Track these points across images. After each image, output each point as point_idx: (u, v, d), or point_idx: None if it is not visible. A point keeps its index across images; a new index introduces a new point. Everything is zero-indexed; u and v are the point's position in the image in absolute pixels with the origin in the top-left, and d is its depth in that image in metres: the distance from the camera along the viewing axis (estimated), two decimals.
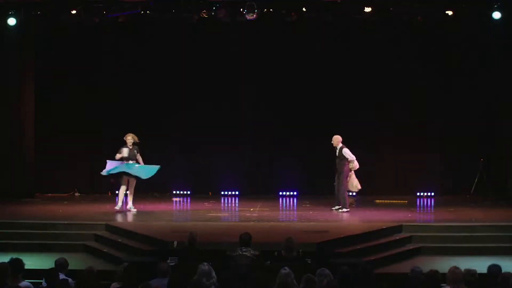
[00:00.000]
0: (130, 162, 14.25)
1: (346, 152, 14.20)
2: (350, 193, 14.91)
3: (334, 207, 14.45)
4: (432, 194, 16.84)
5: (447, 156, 17.07)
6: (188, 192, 17.20)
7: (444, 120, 17.02)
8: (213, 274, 7.79)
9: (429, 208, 15.58)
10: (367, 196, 15.99)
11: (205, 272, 7.69)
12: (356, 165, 14.27)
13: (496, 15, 14.67)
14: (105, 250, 11.69)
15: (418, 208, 15.53)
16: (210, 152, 17.22)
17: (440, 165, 17.11)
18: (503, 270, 7.63)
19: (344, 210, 14.27)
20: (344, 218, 13.81)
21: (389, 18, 15.82)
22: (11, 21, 15.26)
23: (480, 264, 8.81)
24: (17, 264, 7.63)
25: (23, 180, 16.53)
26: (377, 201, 16.06)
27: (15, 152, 16.54)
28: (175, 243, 10.74)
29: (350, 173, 14.32)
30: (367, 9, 15.26)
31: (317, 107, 16.94)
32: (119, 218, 13.60)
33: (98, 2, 15.22)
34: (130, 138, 14.35)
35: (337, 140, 14.35)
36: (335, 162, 14.36)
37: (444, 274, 7.47)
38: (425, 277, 7.43)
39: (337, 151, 14.30)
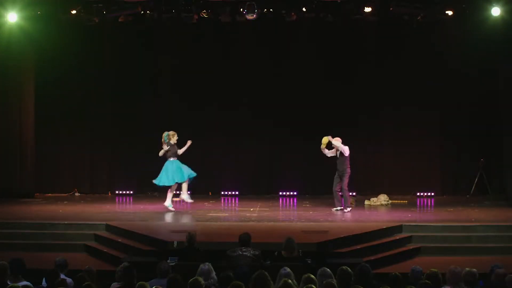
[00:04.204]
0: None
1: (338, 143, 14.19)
2: (350, 193, 14.92)
3: (335, 208, 14.45)
4: (432, 194, 16.84)
5: (447, 156, 17.07)
6: (188, 192, 17.15)
7: (444, 120, 17.02)
8: (213, 274, 7.81)
9: (429, 208, 15.58)
10: (367, 196, 16.03)
11: (204, 272, 7.71)
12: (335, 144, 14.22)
13: (495, 11, 14.63)
14: (105, 250, 11.69)
15: (418, 208, 15.54)
16: (210, 152, 17.22)
17: (440, 165, 17.11)
18: (504, 271, 7.61)
19: (348, 209, 14.29)
20: (344, 218, 13.81)
21: (389, 18, 15.83)
22: (12, 18, 15.21)
23: (480, 264, 8.82)
24: (17, 264, 7.62)
25: (23, 180, 16.53)
26: None
27: (15, 152, 16.53)
28: (175, 243, 10.74)
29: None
30: (367, 9, 15.26)
31: (317, 107, 16.92)
32: (119, 218, 13.57)
33: (98, 2, 15.21)
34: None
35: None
36: (336, 163, 14.41)
37: (444, 274, 7.47)
38: (425, 277, 7.42)
39: (338, 151, 14.32)
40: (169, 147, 14.24)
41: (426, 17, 15.42)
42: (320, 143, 14.45)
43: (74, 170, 17.52)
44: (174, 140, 14.31)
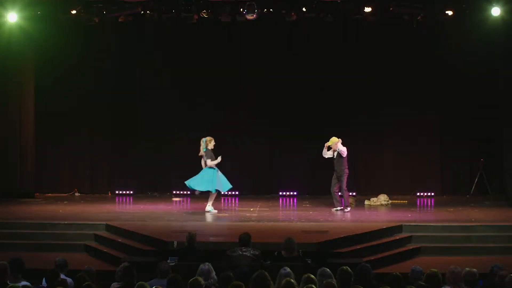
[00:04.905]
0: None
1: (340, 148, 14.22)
2: (350, 193, 14.93)
3: (335, 208, 14.45)
4: (432, 194, 16.84)
5: (447, 156, 17.07)
6: (188, 192, 17.17)
7: (444, 120, 17.02)
8: (213, 274, 7.81)
9: (429, 208, 15.58)
10: (367, 196, 16.02)
11: (204, 272, 7.71)
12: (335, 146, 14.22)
13: (495, 11, 14.63)
14: (105, 250, 11.69)
15: (418, 208, 15.53)
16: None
17: (440, 165, 17.11)
18: (506, 272, 7.61)
19: (348, 209, 14.30)
20: (344, 218, 13.81)
21: (389, 18, 15.83)
22: (12, 18, 15.20)
23: (480, 264, 8.82)
24: (17, 264, 7.62)
25: (23, 180, 16.53)
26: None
27: (15, 152, 16.53)
28: (175, 243, 10.74)
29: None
30: (367, 9, 15.26)
31: (317, 106, 16.92)
32: (119, 218, 13.56)
33: (98, 2, 15.21)
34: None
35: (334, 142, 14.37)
36: (333, 163, 14.43)
37: (444, 274, 7.47)
38: (425, 277, 7.42)
39: (336, 152, 14.33)
40: (206, 153, 14.05)
41: (426, 17, 15.42)
42: (322, 141, 14.47)
43: (74, 170, 17.52)
44: (211, 146, 14.16)
